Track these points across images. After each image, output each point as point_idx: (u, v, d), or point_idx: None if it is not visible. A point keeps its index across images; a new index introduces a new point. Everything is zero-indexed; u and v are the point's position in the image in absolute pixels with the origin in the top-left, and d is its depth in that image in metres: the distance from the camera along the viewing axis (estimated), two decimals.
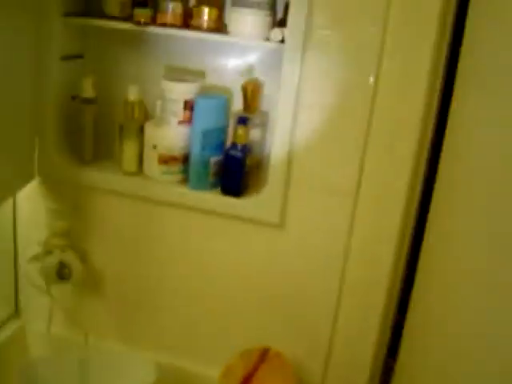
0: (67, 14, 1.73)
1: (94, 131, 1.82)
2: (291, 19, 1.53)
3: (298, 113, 1.60)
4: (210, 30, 1.66)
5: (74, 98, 1.85)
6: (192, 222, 1.79)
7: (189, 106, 1.71)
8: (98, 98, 1.80)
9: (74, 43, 1.82)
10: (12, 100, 1.62)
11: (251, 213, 1.69)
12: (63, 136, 1.82)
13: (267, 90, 1.76)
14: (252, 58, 1.76)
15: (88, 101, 1.81)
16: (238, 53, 1.75)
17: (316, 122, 1.60)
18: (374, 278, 1.64)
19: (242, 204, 1.70)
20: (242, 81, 1.72)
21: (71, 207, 1.88)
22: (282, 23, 1.65)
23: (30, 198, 1.90)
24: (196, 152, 1.70)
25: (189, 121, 1.73)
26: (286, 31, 1.54)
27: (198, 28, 1.66)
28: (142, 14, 1.67)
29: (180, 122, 1.73)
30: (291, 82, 1.58)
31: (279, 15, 1.65)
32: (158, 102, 1.75)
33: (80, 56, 1.87)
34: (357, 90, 1.53)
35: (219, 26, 1.67)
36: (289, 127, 1.62)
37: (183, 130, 1.74)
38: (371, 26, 1.48)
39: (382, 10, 1.44)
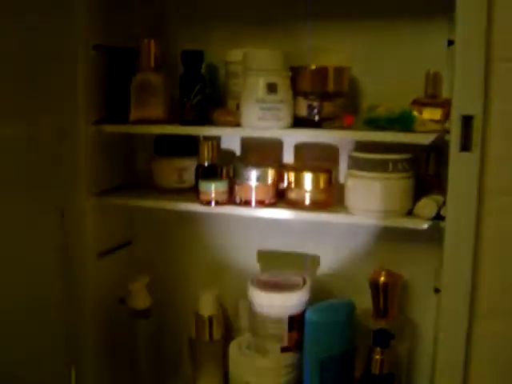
0: (103, 192, 1.25)
1: (151, 352, 1.30)
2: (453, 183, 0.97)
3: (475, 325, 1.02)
4: (315, 205, 1.12)
5: (122, 301, 1.32)
6: None
7: (296, 324, 1.15)
8: (154, 304, 1.29)
9: (117, 228, 1.34)
10: (39, 316, 1.15)
11: None
12: (109, 360, 1.31)
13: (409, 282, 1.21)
14: (385, 241, 1.21)
15: (141, 314, 1.28)
16: (362, 233, 1.22)
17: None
18: None
19: None
20: (371, 272, 1.18)
21: None
22: (430, 185, 1.11)
23: None
24: None
25: (297, 346, 1.16)
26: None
27: (298, 205, 1.13)
28: (212, 189, 1.15)
29: (284, 350, 1.16)
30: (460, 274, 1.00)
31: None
32: (243, 313, 1.24)
33: (126, 244, 1.37)
34: None
35: (328, 200, 1.12)
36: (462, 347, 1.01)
37: (290, 359, 1.17)
38: None
39: None
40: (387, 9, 1.15)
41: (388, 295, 1.17)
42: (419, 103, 1.09)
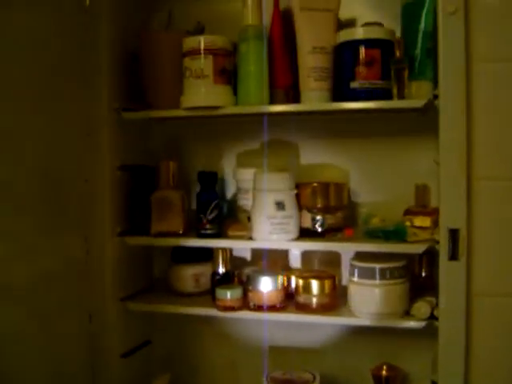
0: (127, 298, 1.36)
1: None
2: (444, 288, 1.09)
3: None
4: (321, 307, 1.23)
5: None
6: None
7: None
8: None
9: (138, 329, 1.43)
10: None
11: None
12: None
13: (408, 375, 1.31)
14: (385, 339, 1.32)
15: None
16: (364, 332, 1.30)
17: None
18: None
19: None
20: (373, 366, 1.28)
21: None
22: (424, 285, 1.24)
23: None
24: None
25: None
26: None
27: (306, 308, 1.24)
28: (227, 296, 1.26)
29: None
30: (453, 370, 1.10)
31: None
32: None
33: (146, 343, 1.45)
34: None
35: (333, 302, 1.23)
36: None
37: None
38: None
39: None
40: (381, 130, 1.30)
41: None
42: (411, 212, 1.22)
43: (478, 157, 1.08)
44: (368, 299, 1.17)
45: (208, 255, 1.34)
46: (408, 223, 1.17)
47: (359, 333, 1.31)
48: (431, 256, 1.20)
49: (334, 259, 1.34)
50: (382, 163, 1.31)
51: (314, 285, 1.22)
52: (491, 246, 1.10)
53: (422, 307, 1.15)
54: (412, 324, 1.16)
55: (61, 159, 1.19)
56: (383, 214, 1.26)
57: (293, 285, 1.27)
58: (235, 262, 1.34)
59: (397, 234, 1.15)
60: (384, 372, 1.27)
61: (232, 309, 1.24)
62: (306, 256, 1.37)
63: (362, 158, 1.33)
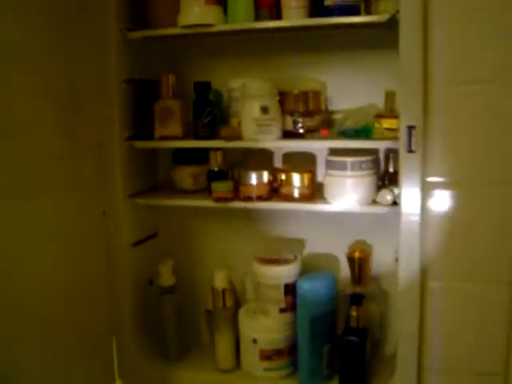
0: (135, 195, 1.54)
1: (177, 322, 1.59)
2: (403, 178, 1.28)
3: (425, 286, 1.32)
4: (302, 198, 1.42)
5: (150, 282, 1.62)
6: None
7: (290, 290, 1.44)
8: (178, 283, 1.58)
9: (146, 223, 1.63)
10: (85, 295, 1.41)
11: None
12: (143, 330, 1.59)
13: (377, 255, 1.51)
14: (356, 224, 1.51)
15: (168, 290, 1.57)
16: (338, 219, 1.50)
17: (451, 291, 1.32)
18: None
19: None
20: (347, 249, 1.51)
21: None
22: (390, 179, 1.43)
23: None
24: (305, 343, 1.42)
25: (292, 307, 1.45)
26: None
27: (289, 198, 1.42)
28: (221, 188, 1.44)
29: (282, 310, 1.46)
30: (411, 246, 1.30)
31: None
32: (248, 287, 1.53)
33: (153, 235, 1.66)
34: None
35: (312, 193, 1.41)
36: (415, 301, 1.32)
37: (287, 318, 1.47)
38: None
39: None
40: (353, 44, 1.46)
41: (361, 267, 1.47)
42: (380, 116, 1.40)
43: (434, 63, 1.25)
44: (341, 189, 1.37)
45: (204, 158, 1.51)
46: (377, 125, 1.35)
47: (335, 220, 1.51)
48: (397, 154, 1.36)
49: (311, 159, 1.54)
50: (355, 74, 1.48)
51: (296, 178, 1.41)
52: (445, 140, 1.28)
53: (385, 194, 1.35)
54: (377, 209, 1.36)
55: (76, 76, 1.35)
56: (356, 119, 1.43)
57: (277, 180, 1.45)
58: (228, 164, 1.51)
59: (364, 132, 1.35)
60: (357, 254, 1.47)
61: (225, 199, 1.43)
62: (287, 156, 1.57)
63: (337, 70, 1.50)
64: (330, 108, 1.50)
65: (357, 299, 1.40)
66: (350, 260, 1.47)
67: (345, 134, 1.37)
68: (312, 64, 1.51)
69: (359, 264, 1.46)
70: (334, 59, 1.50)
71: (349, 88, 1.49)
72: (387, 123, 1.36)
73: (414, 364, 1.35)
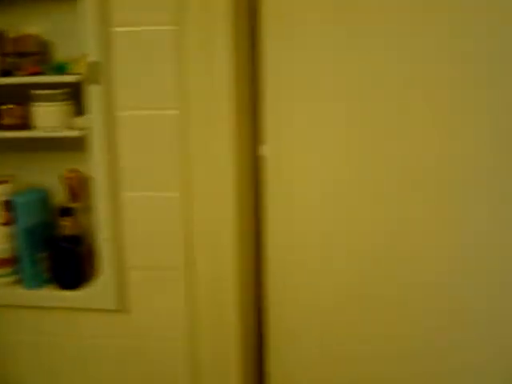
0: None
1: None
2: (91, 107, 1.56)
3: (118, 193, 1.63)
4: (16, 126, 1.63)
5: None
6: (31, 319, 1.76)
7: (7, 206, 1.65)
8: None
9: None
10: None
11: (88, 303, 1.67)
12: None
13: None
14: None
15: None
16: (47, 145, 1.74)
17: (139, 200, 1.63)
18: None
19: (78, 296, 1.67)
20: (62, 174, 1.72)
21: None
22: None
23: None
24: (24, 251, 1.65)
25: (11, 221, 1.68)
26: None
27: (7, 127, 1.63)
28: None
29: (2, 224, 1.68)
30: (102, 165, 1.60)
31: None
32: None
33: None
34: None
35: (25, 123, 1.64)
36: (110, 211, 1.63)
37: (7, 230, 1.70)
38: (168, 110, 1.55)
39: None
40: None
41: (74, 187, 1.76)
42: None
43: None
44: (47, 116, 1.62)
45: None
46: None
47: (45, 147, 1.76)
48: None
49: (24, 94, 1.73)
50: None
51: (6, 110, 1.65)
52: (128, 75, 1.57)
53: (78, 120, 1.63)
54: (74, 133, 1.63)
55: None
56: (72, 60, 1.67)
57: None
58: None
59: (58, 68, 1.61)
60: (69, 175, 1.73)
61: None
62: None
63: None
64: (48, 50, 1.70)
65: (65, 211, 1.67)
66: (64, 181, 1.72)
67: (50, 72, 1.62)
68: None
69: (71, 184, 1.72)
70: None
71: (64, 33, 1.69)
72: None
73: (113, 264, 1.66)
